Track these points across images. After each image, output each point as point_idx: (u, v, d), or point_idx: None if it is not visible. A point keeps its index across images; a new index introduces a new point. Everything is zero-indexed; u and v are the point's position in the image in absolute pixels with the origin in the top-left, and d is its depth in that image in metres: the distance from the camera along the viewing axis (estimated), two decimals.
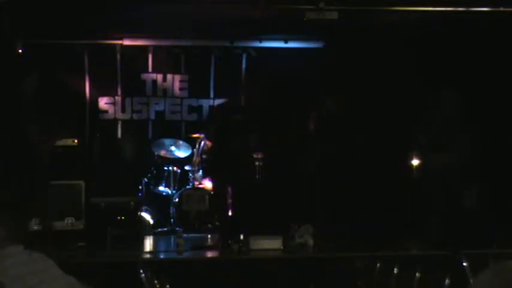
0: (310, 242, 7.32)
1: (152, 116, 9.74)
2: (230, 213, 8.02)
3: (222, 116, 7.93)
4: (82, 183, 7.80)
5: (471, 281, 4.79)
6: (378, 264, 5.63)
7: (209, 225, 8.42)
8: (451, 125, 7.73)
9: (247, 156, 7.81)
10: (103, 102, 9.64)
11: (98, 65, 9.60)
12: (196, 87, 9.81)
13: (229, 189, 8.05)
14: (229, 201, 8.07)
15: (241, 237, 7.38)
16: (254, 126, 7.94)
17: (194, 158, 8.83)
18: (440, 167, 7.65)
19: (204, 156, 8.69)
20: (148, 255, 7.17)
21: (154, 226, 8.44)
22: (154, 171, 8.84)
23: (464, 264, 4.95)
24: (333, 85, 9.08)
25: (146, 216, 8.38)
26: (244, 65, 9.87)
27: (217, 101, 9.69)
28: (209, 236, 8.17)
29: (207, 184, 8.73)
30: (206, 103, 9.72)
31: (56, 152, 8.11)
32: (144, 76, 9.76)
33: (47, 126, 7.97)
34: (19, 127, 7.75)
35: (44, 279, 2.97)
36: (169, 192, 8.77)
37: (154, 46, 9.72)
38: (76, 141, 8.31)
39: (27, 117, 7.85)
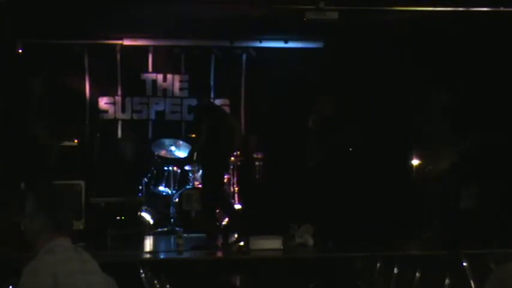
0: (310, 242, 7.33)
1: (152, 116, 9.74)
2: (228, 213, 8.03)
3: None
4: (82, 183, 7.79)
5: (471, 281, 4.80)
6: (378, 264, 5.63)
7: None
8: (452, 125, 7.73)
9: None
10: (103, 102, 9.64)
11: (98, 65, 9.60)
12: (196, 87, 9.79)
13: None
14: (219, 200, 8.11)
15: (241, 237, 7.39)
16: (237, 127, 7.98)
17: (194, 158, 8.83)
18: (441, 167, 7.65)
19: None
20: (148, 255, 7.17)
21: (154, 226, 8.43)
22: (154, 171, 8.84)
23: (464, 264, 4.95)
24: (332, 85, 9.08)
25: (146, 216, 8.38)
26: (244, 65, 9.88)
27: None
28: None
29: None
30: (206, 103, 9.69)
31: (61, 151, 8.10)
32: (144, 76, 9.76)
33: (51, 126, 7.96)
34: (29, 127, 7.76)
35: (93, 281, 2.90)
36: (169, 192, 8.77)
37: (154, 46, 9.72)
38: (76, 141, 8.30)
39: (36, 117, 7.84)
